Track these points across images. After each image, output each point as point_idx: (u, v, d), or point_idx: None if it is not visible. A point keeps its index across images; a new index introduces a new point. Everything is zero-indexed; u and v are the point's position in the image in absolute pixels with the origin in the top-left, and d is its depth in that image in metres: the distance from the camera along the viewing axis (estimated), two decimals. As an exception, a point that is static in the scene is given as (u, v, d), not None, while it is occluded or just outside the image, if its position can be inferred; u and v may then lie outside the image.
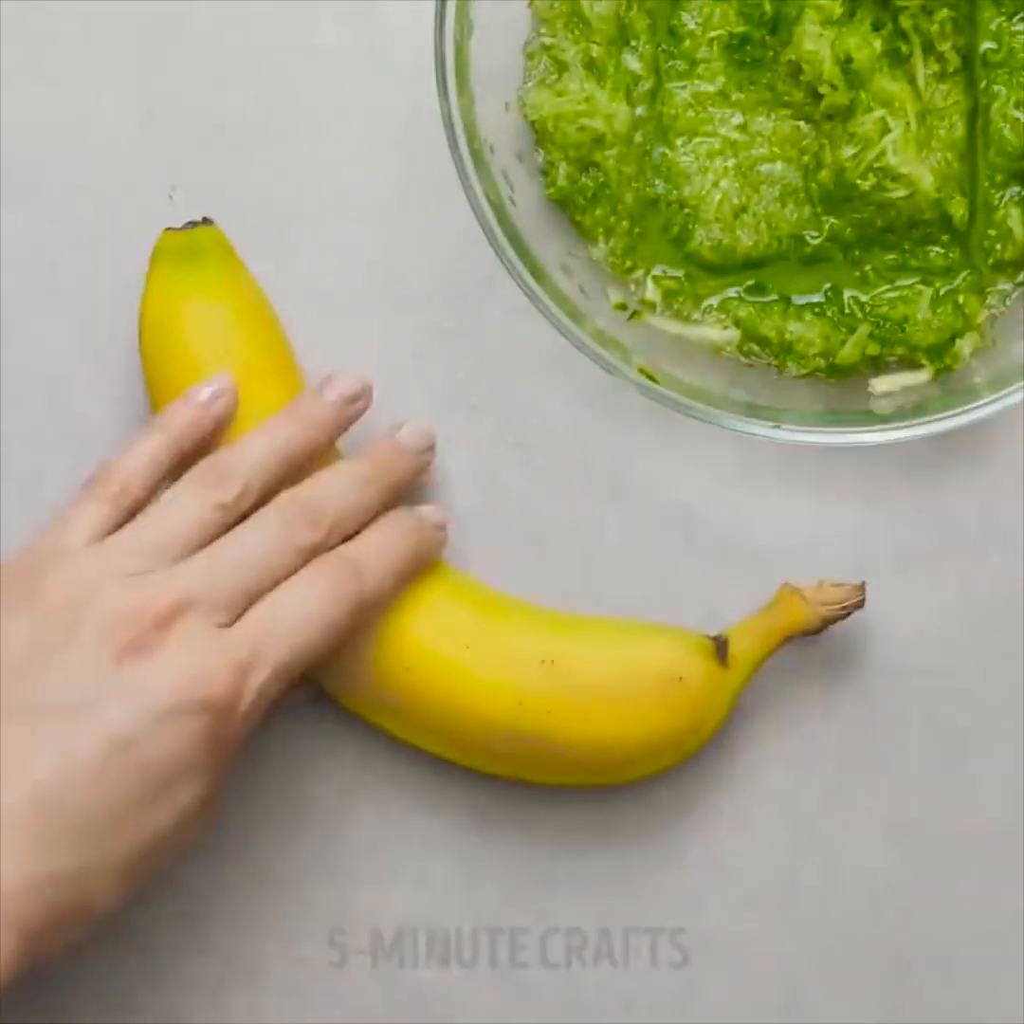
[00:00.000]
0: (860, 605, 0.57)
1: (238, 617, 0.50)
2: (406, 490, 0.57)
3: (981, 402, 0.55)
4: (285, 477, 0.54)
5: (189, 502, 0.52)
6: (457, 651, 0.55)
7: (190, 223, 0.57)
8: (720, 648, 0.56)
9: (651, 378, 0.55)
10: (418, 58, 0.58)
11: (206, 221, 0.58)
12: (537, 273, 0.54)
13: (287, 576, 0.51)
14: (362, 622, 0.53)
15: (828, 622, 0.57)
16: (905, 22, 0.56)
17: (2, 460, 0.60)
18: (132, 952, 0.59)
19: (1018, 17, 0.57)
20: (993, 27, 0.57)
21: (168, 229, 0.57)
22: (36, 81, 0.60)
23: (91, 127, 0.60)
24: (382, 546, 0.54)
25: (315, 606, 0.51)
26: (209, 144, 0.60)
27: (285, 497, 0.53)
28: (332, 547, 0.53)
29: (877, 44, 0.56)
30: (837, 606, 0.57)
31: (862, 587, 0.57)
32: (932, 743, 0.60)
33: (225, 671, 0.48)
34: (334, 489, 0.54)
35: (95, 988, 0.59)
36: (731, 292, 0.58)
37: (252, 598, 0.51)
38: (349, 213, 0.60)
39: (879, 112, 0.56)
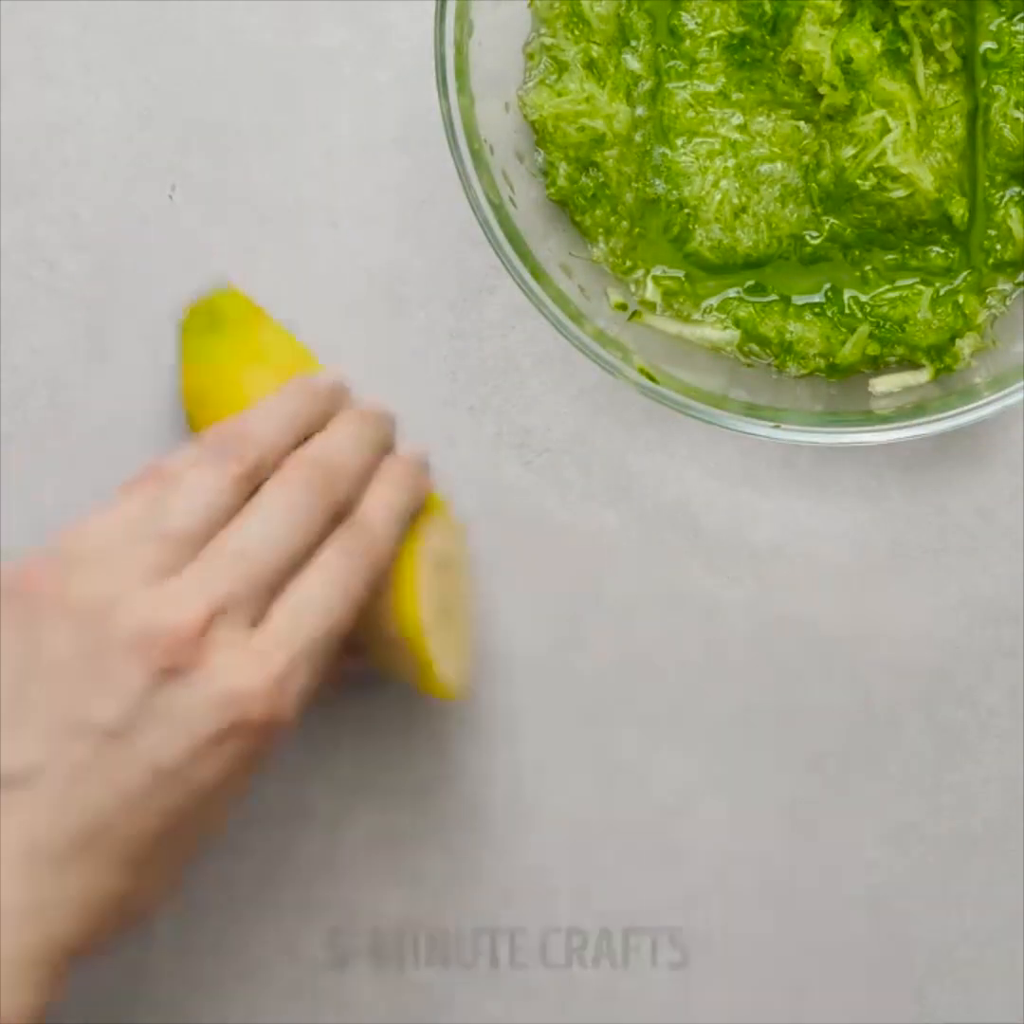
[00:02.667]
0: None
1: (267, 603, 0.49)
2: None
3: (981, 402, 0.55)
4: (293, 447, 0.53)
5: (209, 479, 0.50)
6: None
7: (207, 291, 0.57)
8: None
9: (651, 378, 0.55)
10: (418, 58, 0.58)
11: (222, 284, 0.57)
12: (537, 273, 0.54)
13: (311, 545, 0.51)
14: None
15: None
16: (905, 22, 0.56)
17: (2, 460, 0.60)
18: (131, 952, 0.59)
19: (1018, 17, 0.57)
20: (993, 27, 0.57)
21: (190, 305, 0.57)
22: (36, 81, 0.60)
23: (91, 127, 0.60)
24: (387, 503, 0.53)
25: (339, 588, 0.50)
26: (209, 144, 0.60)
27: (302, 461, 0.51)
28: (347, 509, 0.52)
29: (877, 44, 0.56)
30: None
31: None
32: (932, 743, 0.60)
33: (264, 688, 0.47)
34: (344, 448, 0.53)
35: (95, 989, 0.59)
36: (731, 292, 0.58)
37: (282, 579, 0.50)
38: (349, 213, 0.60)
39: (879, 112, 0.56)
